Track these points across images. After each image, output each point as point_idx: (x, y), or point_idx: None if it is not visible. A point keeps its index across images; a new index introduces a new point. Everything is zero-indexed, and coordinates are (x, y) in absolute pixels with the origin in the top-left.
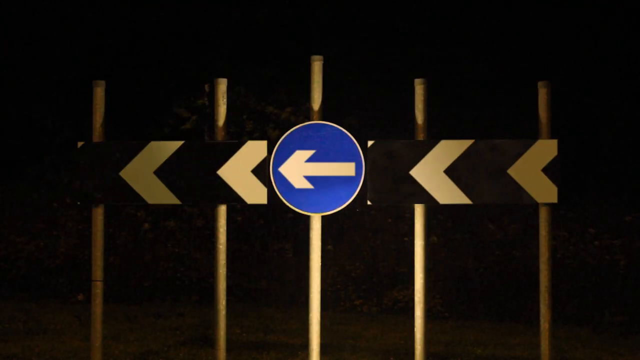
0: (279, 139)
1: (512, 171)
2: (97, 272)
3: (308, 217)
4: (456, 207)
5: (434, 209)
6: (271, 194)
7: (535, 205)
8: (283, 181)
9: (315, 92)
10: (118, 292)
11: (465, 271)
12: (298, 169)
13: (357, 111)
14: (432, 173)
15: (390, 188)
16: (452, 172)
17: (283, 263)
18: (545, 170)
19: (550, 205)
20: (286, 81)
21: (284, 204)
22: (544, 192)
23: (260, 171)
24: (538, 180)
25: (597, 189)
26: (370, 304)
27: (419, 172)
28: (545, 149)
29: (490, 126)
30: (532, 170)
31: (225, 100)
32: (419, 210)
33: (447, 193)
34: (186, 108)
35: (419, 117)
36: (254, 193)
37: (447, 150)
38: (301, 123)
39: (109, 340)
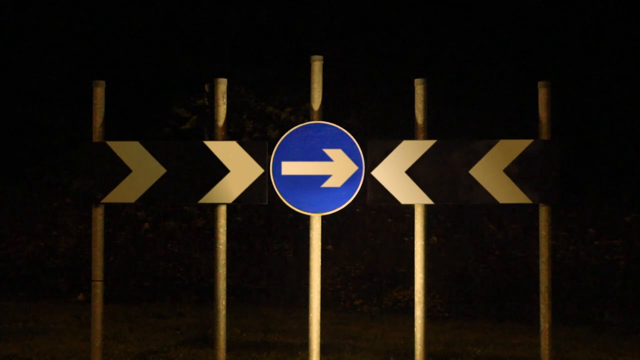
0: (279, 139)
1: (473, 171)
2: (97, 272)
3: (308, 217)
4: (456, 207)
5: (434, 209)
6: (271, 194)
7: (534, 205)
8: (283, 181)
9: (315, 92)
10: (118, 292)
11: (465, 271)
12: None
13: (357, 111)
14: (394, 173)
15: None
16: (414, 172)
17: (283, 263)
18: (507, 170)
19: (550, 205)
20: (286, 81)
21: (284, 204)
22: (506, 192)
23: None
24: (499, 181)
25: (597, 189)
26: (370, 304)
27: (380, 173)
28: (507, 150)
29: (490, 126)
30: (494, 171)
31: (225, 100)
32: (419, 210)
33: (409, 193)
34: (186, 108)
35: (419, 117)
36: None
37: (409, 151)
38: (301, 123)
39: (109, 340)
